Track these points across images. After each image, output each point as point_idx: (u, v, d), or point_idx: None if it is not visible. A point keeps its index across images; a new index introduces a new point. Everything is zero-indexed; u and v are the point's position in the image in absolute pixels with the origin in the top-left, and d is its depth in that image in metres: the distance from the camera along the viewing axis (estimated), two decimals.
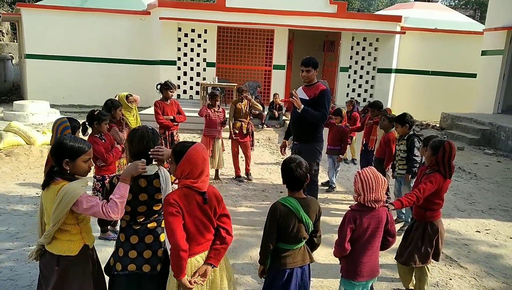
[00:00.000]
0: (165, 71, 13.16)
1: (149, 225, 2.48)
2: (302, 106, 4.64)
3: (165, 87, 6.03)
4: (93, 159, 4.24)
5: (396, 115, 5.25)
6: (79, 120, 4.01)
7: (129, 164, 2.46)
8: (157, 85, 6.13)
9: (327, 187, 6.63)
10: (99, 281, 2.63)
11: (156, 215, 2.49)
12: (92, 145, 4.13)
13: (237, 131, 6.72)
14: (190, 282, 2.31)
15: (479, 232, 5.22)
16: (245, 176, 6.96)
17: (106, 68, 14.22)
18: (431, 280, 3.77)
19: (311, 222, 2.63)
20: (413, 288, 3.57)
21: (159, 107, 6.04)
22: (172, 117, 6.07)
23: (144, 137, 2.48)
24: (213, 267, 2.40)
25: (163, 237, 2.51)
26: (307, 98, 4.75)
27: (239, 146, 6.85)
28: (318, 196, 5.30)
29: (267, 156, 8.77)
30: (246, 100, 6.83)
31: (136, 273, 2.44)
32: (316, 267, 4.09)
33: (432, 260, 3.46)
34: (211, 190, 2.43)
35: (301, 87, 4.99)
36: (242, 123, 6.72)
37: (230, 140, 6.91)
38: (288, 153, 5.61)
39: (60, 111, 12.22)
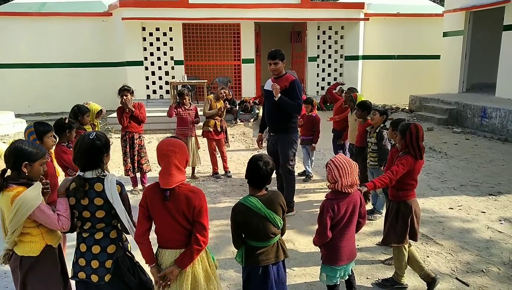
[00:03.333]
0: (132, 72, 12.93)
1: (96, 235, 2.46)
2: (280, 95, 4.71)
3: (120, 93, 5.90)
4: (63, 168, 4.17)
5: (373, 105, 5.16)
6: (50, 125, 3.84)
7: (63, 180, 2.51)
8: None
9: (304, 177, 6.69)
10: (65, 282, 2.71)
11: (103, 224, 2.45)
12: (60, 155, 4.05)
13: (211, 129, 6.70)
14: (158, 276, 2.41)
15: (452, 209, 5.39)
16: (224, 175, 6.94)
17: (71, 73, 13.83)
18: None
19: (278, 217, 2.62)
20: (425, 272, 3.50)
21: (119, 111, 5.94)
22: (132, 109, 5.81)
23: (87, 149, 2.42)
24: (180, 269, 2.41)
25: (111, 248, 2.48)
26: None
27: (215, 144, 6.85)
28: (296, 187, 5.35)
29: (243, 151, 8.77)
30: (221, 100, 6.90)
31: (87, 281, 2.46)
32: (297, 256, 4.14)
33: (410, 241, 3.54)
34: (185, 193, 2.37)
35: (270, 79, 5.03)
36: (216, 121, 6.71)
37: (206, 138, 6.90)
38: (265, 145, 5.63)
39: (26, 121, 11.82)
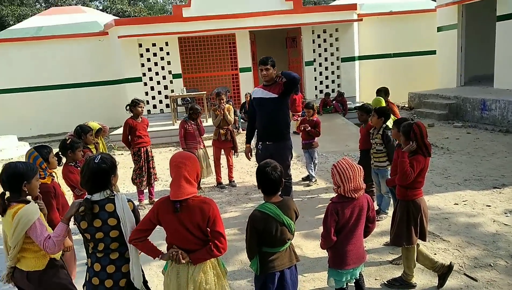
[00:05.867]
0: (132, 88, 13.02)
1: (111, 255, 2.48)
2: (280, 72, 4.64)
3: (133, 104, 6.00)
4: (70, 188, 4.23)
5: (376, 107, 5.15)
6: (49, 146, 3.91)
7: (71, 203, 2.53)
8: (126, 106, 6.09)
9: (307, 182, 6.71)
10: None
11: (117, 243, 2.47)
12: (67, 175, 4.12)
13: (215, 138, 6.79)
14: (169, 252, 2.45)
15: (457, 204, 5.40)
16: (228, 184, 6.96)
17: (71, 93, 13.98)
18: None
19: (292, 223, 2.68)
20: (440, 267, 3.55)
21: (127, 126, 5.97)
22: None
23: (94, 174, 2.44)
24: (190, 262, 2.43)
25: (125, 268, 2.50)
26: (276, 96, 4.67)
27: (223, 152, 6.90)
28: (301, 190, 5.36)
29: (246, 159, 8.78)
30: (227, 105, 6.90)
31: None
32: (305, 261, 4.16)
33: (419, 241, 3.56)
34: (198, 205, 2.42)
35: (259, 88, 4.90)
36: (221, 130, 6.75)
37: (212, 146, 6.95)
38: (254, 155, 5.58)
39: (29, 143, 11.91)
